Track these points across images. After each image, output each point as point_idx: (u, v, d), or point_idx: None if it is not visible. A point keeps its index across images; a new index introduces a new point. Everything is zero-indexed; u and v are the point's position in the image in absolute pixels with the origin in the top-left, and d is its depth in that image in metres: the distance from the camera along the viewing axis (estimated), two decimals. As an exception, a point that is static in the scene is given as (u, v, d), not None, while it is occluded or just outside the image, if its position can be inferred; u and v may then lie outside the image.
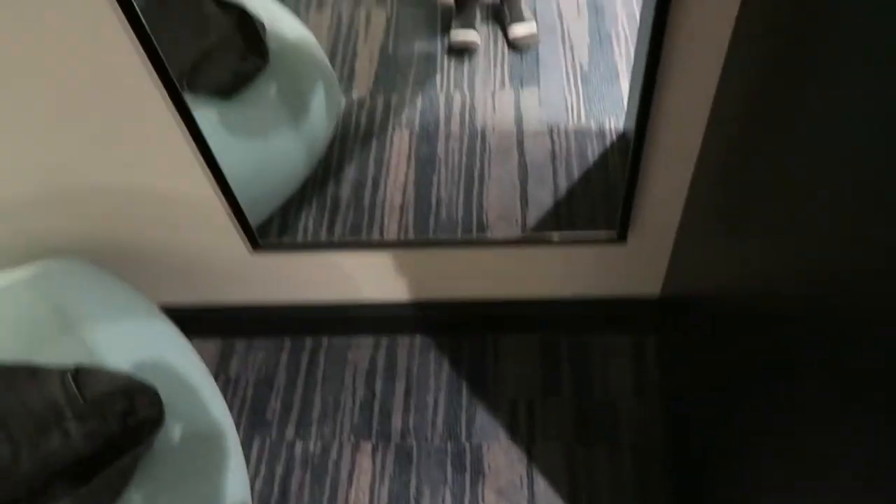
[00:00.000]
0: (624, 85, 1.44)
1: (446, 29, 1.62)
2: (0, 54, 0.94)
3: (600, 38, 1.54)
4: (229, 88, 1.06)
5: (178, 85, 0.96)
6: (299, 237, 1.35)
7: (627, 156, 1.14)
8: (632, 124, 1.20)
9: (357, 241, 1.35)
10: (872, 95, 0.53)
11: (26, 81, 0.98)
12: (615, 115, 1.39)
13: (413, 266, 1.42)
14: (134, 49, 0.93)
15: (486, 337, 1.58)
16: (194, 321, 1.46)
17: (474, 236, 1.33)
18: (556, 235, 1.32)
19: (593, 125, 1.39)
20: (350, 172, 1.38)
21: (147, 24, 0.91)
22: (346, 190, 1.35)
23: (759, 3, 0.81)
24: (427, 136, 1.43)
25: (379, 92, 1.52)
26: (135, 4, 0.89)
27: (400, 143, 1.42)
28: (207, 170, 1.09)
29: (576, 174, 1.33)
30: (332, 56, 1.62)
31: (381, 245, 1.36)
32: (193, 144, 1.04)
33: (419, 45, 1.61)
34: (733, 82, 0.92)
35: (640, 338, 1.55)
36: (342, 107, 1.40)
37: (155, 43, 0.92)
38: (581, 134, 1.38)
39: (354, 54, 1.62)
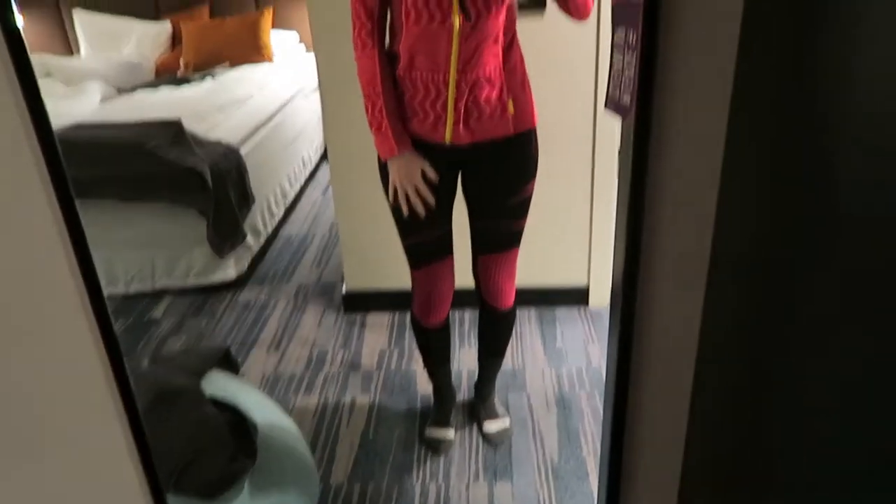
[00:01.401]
0: (593, 482, 1.49)
1: (425, 419, 1.72)
2: None
3: (569, 434, 1.63)
4: (214, 491, 1.07)
5: (163, 486, 0.99)
6: None
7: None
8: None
9: None
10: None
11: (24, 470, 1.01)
12: (588, 515, 1.41)
13: None
14: (127, 449, 0.98)
15: None
16: None
17: None
18: None
19: (567, 523, 1.40)
20: (319, 567, 1.33)
21: (146, 423, 0.98)
22: (312, 588, 1.29)
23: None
24: (401, 528, 1.41)
25: (357, 478, 1.54)
26: (139, 409, 0.97)
27: (373, 536, 1.39)
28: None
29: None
30: (314, 439, 1.68)
31: None
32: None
33: (399, 433, 1.69)
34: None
35: None
36: (318, 496, 1.41)
37: (149, 443, 0.98)
38: (556, 533, 1.38)
39: (336, 439, 1.69)
